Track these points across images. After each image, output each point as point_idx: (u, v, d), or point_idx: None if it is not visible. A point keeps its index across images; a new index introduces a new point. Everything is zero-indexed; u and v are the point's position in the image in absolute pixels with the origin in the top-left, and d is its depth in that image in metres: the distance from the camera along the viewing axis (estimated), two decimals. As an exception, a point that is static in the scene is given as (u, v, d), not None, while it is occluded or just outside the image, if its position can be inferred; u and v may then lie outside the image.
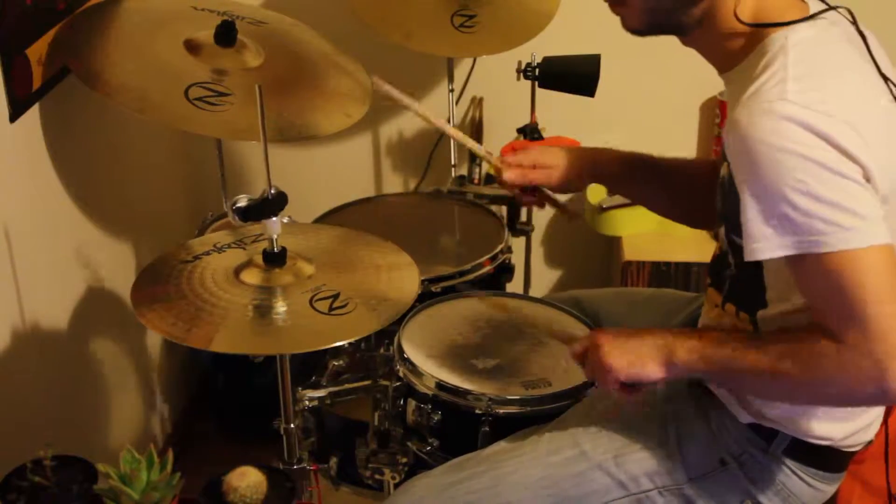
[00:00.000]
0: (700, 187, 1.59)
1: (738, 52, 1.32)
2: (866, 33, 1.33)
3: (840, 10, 1.33)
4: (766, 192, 1.19)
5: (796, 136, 1.17)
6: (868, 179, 1.20)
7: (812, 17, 1.28)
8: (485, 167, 2.57)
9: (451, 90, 2.35)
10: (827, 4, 1.32)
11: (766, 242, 1.21)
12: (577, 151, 1.67)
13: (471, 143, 1.76)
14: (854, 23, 1.33)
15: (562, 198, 1.74)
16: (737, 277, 1.39)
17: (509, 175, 1.63)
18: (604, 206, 2.44)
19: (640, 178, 1.65)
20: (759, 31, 1.29)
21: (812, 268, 1.21)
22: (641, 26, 1.36)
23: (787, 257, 1.21)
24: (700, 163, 1.78)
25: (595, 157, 1.66)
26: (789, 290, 1.30)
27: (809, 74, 1.22)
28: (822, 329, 1.23)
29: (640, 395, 1.38)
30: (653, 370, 1.33)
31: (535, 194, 1.69)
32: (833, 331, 1.22)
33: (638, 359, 1.34)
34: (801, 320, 1.31)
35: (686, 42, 1.38)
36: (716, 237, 1.47)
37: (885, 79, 1.30)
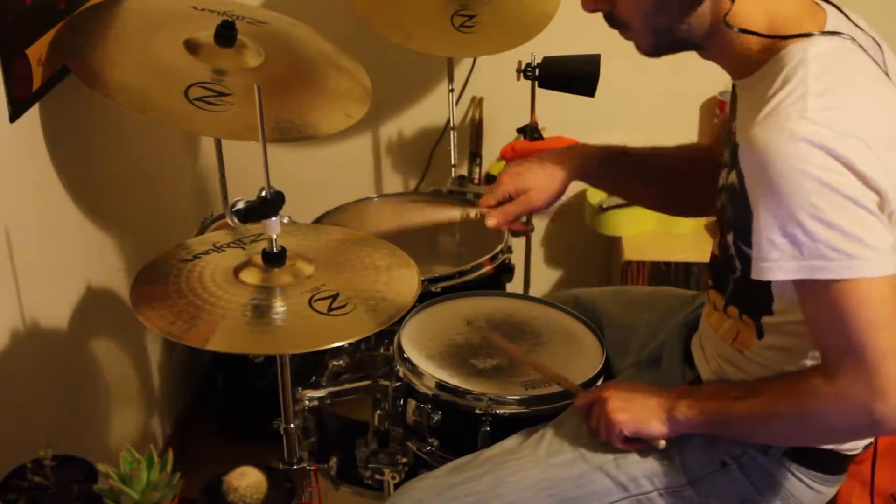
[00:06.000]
0: (688, 176, 1.58)
1: (755, 61, 1.30)
2: (883, 45, 1.32)
3: (855, 19, 1.31)
4: (779, 213, 1.19)
5: (815, 159, 1.16)
6: (882, 208, 1.19)
7: (831, 32, 1.26)
8: (485, 167, 2.57)
9: (451, 90, 2.35)
10: (843, 12, 1.31)
11: (773, 263, 1.21)
12: (554, 157, 1.62)
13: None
14: (869, 33, 1.32)
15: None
16: (743, 282, 1.38)
17: (491, 222, 1.61)
18: (604, 206, 2.44)
19: (623, 173, 1.63)
20: (776, 39, 1.27)
21: (815, 293, 1.21)
22: (651, 48, 1.36)
23: (792, 280, 1.22)
24: (687, 150, 1.69)
25: (573, 155, 1.63)
26: (796, 304, 1.30)
27: (830, 90, 1.20)
28: (819, 366, 1.26)
29: (641, 445, 1.42)
30: (655, 427, 1.39)
31: (523, 225, 1.67)
32: (829, 358, 1.24)
33: (643, 415, 1.39)
34: (807, 330, 1.31)
35: (705, 56, 1.37)
36: (713, 236, 1.46)
37: None
